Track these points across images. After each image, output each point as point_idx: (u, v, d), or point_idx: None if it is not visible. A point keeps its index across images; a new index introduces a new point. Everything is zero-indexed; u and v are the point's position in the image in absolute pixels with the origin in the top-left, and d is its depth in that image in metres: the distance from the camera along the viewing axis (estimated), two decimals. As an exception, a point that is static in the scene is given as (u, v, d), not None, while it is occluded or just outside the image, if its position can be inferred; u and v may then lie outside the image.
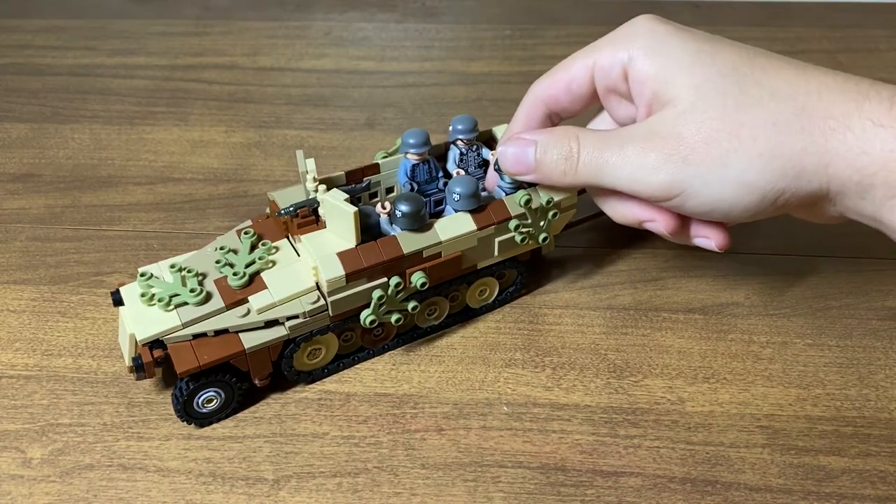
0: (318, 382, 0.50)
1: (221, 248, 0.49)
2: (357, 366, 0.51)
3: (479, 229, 0.49)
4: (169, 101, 0.79)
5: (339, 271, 0.45)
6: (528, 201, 0.49)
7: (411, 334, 0.52)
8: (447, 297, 0.52)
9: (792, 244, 0.60)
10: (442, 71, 0.84)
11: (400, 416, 0.48)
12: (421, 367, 0.51)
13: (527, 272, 0.55)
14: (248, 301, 0.46)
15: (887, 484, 0.44)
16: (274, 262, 0.48)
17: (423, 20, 0.93)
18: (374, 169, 0.53)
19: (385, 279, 0.47)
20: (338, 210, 0.46)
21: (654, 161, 0.42)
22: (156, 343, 0.45)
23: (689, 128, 0.41)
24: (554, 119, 0.51)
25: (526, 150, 0.47)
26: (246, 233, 0.50)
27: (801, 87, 0.40)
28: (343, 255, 0.46)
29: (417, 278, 0.47)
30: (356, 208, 0.46)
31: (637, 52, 0.44)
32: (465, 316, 0.54)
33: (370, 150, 0.71)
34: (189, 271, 0.47)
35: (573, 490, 0.44)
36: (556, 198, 0.50)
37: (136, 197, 0.66)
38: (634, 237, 0.61)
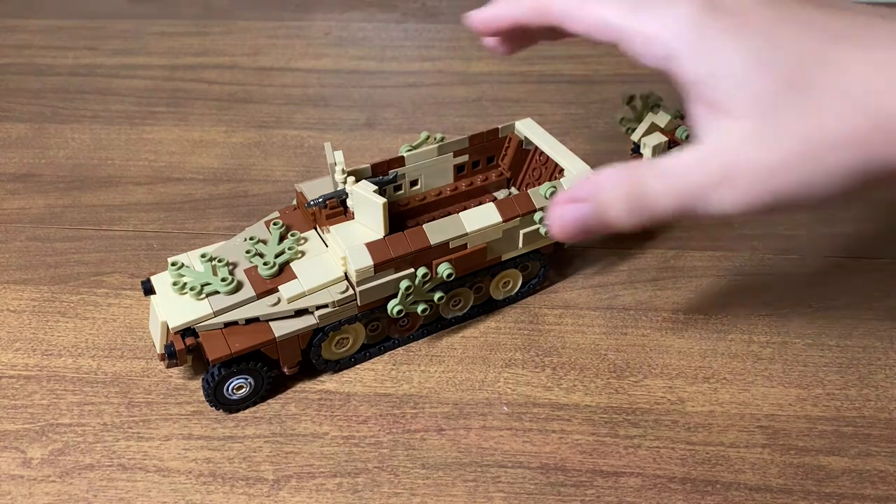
0: (317, 382, 0.50)
1: (251, 239, 0.50)
2: (357, 366, 0.51)
3: (505, 221, 0.49)
4: (169, 101, 0.79)
5: (367, 261, 0.46)
6: (554, 193, 0.49)
7: (436, 325, 0.53)
8: (472, 289, 0.53)
9: (792, 244, 0.60)
10: (442, 71, 0.84)
11: (400, 416, 0.48)
12: (421, 367, 0.51)
13: (549, 265, 0.55)
14: (278, 290, 0.47)
15: (887, 484, 0.44)
16: (303, 253, 0.49)
17: (423, 20, 0.93)
18: (399, 162, 0.54)
19: (412, 270, 0.48)
20: (367, 201, 0.47)
21: (735, 196, 0.39)
22: (187, 331, 0.46)
23: (760, 154, 0.39)
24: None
25: (581, 213, 0.41)
26: (275, 224, 0.51)
27: (874, 84, 0.37)
28: (371, 246, 0.47)
29: (444, 269, 0.48)
30: (385, 199, 0.47)
31: (681, 50, 0.40)
32: (488, 307, 0.54)
33: (370, 150, 0.71)
34: (220, 261, 0.48)
35: (573, 490, 0.44)
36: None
37: (136, 197, 0.66)
38: (634, 237, 0.61)
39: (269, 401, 0.49)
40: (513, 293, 0.55)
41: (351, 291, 0.47)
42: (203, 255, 0.48)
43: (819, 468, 0.45)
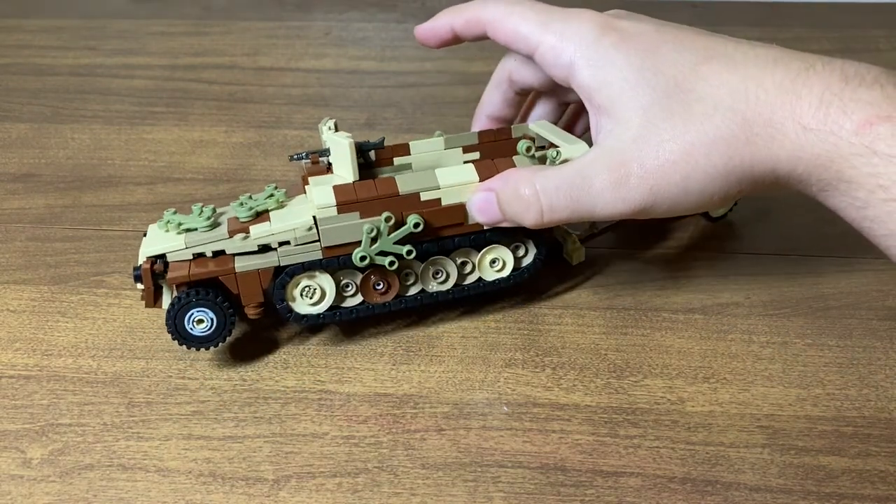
0: (318, 382, 0.50)
1: (244, 194, 0.53)
2: (357, 366, 0.51)
3: (482, 181, 0.49)
4: (169, 101, 0.79)
5: (330, 200, 0.47)
6: (529, 148, 0.50)
7: (417, 299, 0.52)
8: (454, 261, 0.52)
9: (792, 244, 0.60)
10: (442, 71, 0.84)
11: (400, 416, 0.48)
12: (421, 367, 0.51)
13: (547, 257, 0.53)
14: (249, 231, 0.49)
15: (887, 484, 0.44)
16: (285, 205, 0.51)
17: (423, 20, 0.93)
18: (404, 149, 0.53)
19: (379, 217, 0.48)
20: (338, 146, 0.49)
21: (624, 193, 0.45)
22: (160, 262, 0.49)
23: (647, 154, 0.44)
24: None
25: (489, 200, 0.49)
26: (269, 184, 0.53)
27: (740, 96, 0.42)
28: (337, 188, 0.48)
29: (412, 219, 0.48)
30: (352, 139, 0.48)
31: (579, 59, 0.46)
32: (478, 288, 0.53)
33: (370, 150, 0.71)
34: (208, 206, 0.51)
35: (573, 490, 0.44)
36: (564, 154, 0.50)
37: (136, 197, 0.66)
38: (634, 237, 0.61)
39: (270, 400, 0.49)
40: (504, 275, 0.53)
41: (314, 232, 0.48)
42: (196, 204, 0.51)
43: (819, 468, 0.45)
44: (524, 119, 0.58)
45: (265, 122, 0.76)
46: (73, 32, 0.92)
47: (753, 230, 0.62)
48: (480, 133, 0.55)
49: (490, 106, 0.57)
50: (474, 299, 0.55)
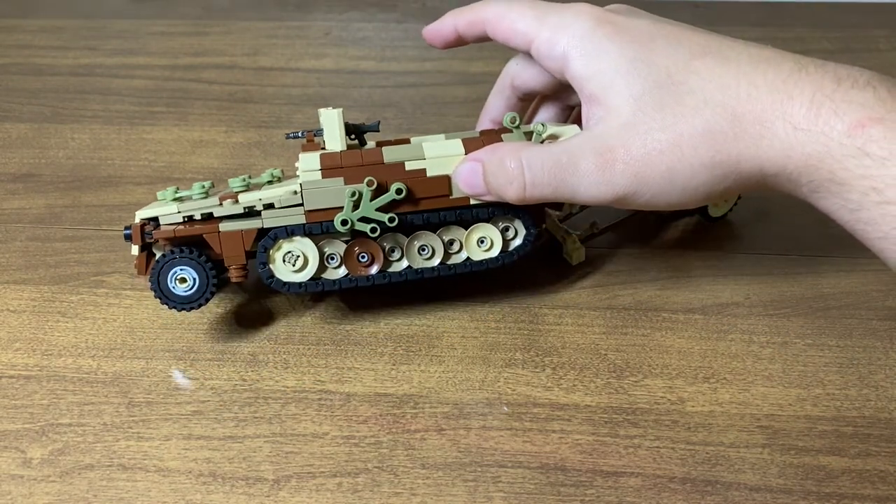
0: (318, 382, 0.50)
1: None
2: (357, 366, 0.51)
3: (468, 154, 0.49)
4: (169, 101, 0.79)
5: (315, 164, 0.48)
6: (514, 119, 0.50)
7: (402, 275, 0.51)
8: (441, 238, 0.51)
9: (792, 244, 0.60)
10: (442, 71, 0.84)
11: (400, 416, 0.48)
12: (421, 367, 0.51)
13: (536, 230, 0.52)
14: (238, 199, 0.51)
15: (887, 484, 0.44)
16: (281, 180, 0.54)
17: (423, 20, 0.93)
18: (405, 143, 0.53)
19: (362, 183, 0.49)
20: (328, 118, 0.50)
21: (609, 177, 0.45)
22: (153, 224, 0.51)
23: (635, 141, 0.44)
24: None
25: (474, 170, 0.49)
26: (269, 169, 0.56)
27: (732, 92, 0.43)
28: (324, 154, 0.49)
29: (395, 186, 0.49)
30: (341, 110, 0.50)
31: (572, 50, 0.46)
32: (466, 267, 0.52)
33: (370, 150, 0.71)
34: (207, 181, 0.53)
35: (573, 490, 0.44)
36: (551, 130, 0.51)
37: (136, 197, 0.66)
38: (634, 237, 0.61)
39: (270, 400, 0.49)
40: (492, 255, 0.52)
41: (299, 196, 0.49)
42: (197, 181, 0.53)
43: (819, 468, 0.45)
44: (528, 123, 0.58)
45: (265, 122, 0.76)
46: (73, 32, 0.92)
47: (753, 230, 0.62)
48: (482, 132, 0.54)
49: (494, 111, 0.58)
50: (472, 296, 0.55)
